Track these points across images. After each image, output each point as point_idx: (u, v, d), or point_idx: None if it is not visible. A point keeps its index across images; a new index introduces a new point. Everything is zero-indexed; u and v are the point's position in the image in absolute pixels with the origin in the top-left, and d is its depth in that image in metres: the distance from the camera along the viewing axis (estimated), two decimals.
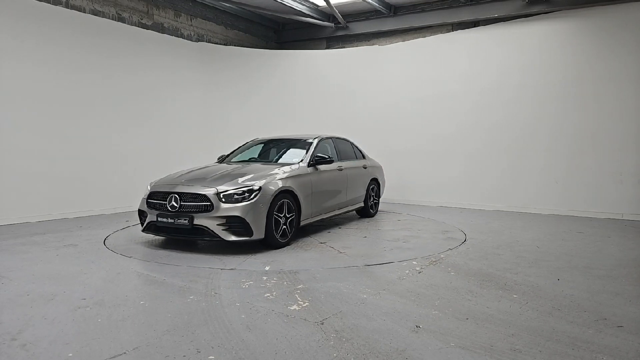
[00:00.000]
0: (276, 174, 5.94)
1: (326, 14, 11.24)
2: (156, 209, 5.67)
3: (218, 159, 7.51)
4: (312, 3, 10.70)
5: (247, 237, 5.41)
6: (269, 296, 3.93)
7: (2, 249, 5.68)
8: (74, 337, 3.08)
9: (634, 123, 8.18)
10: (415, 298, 3.89)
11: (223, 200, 5.35)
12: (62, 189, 8.12)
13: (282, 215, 5.77)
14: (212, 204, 5.33)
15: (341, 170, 7.33)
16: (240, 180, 5.66)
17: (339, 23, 11.23)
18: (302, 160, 6.61)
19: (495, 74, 9.40)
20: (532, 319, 3.41)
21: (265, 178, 5.72)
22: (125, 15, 9.22)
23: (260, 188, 5.52)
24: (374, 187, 8.52)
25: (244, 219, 5.33)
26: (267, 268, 4.85)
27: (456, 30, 10.19)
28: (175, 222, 5.42)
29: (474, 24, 9.97)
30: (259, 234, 5.46)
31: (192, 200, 5.45)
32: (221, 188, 5.46)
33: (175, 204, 5.48)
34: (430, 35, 10.38)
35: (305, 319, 3.40)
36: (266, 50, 11.64)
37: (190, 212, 5.41)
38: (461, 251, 5.66)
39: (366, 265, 4.99)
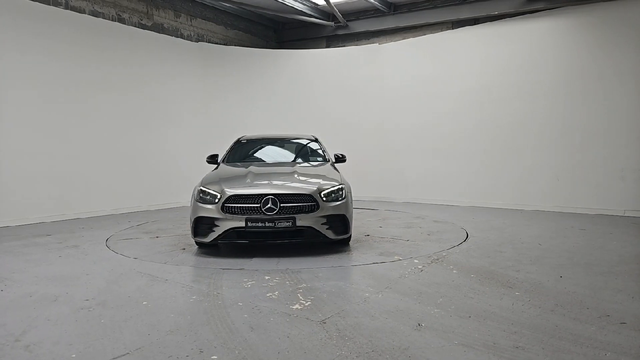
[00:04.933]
0: (334, 173, 6.00)
1: (326, 13, 11.24)
2: (242, 214, 5.15)
3: (211, 158, 6.88)
4: (312, 2, 10.70)
5: (346, 235, 5.49)
6: (271, 296, 3.93)
7: (4, 251, 5.69)
8: (77, 338, 3.09)
9: (635, 119, 8.16)
10: (417, 296, 3.89)
11: (324, 199, 5.28)
12: (63, 190, 8.14)
13: None
14: (317, 204, 5.21)
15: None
16: (323, 179, 5.59)
17: (339, 22, 11.23)
18: (327, 160, 6.79)
19: (496, 71, 9.38)
20: (534, 316, 3.41)
21: (337, 177, 5.77)
22: (125, 16, 9.23)
23: (343, 187, 5.58)
24: None
25: (346, 216, 5.41)
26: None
27: (456, 28, 10.18)
28: (276, 225, 5.09)
29: (474, 21, 9.96)
30: (351, 231, 5.58)
31: (295, 201, 5.19)
32: (323, 187, 5.37)
33: (274, 207, 5.12)
34: (430, 34, 10.37)
35: (307, 318, 3.40)
36: (266, 49, 11.64)
37: (292, 213, 5.17)
38: (463, 249, 5.66)
39: (374, 263, 5.01)
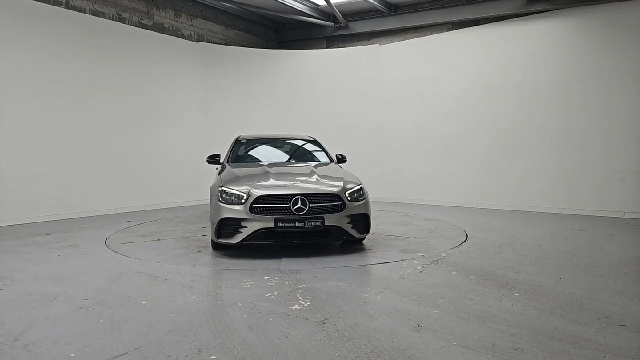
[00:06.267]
0: (349, 173, 6.08)
1: (326, 13, 11.24)
2: (271, 214, 5.09)
3: (211, 158, 6.80)
4: (313, 3, 10.70)
5: (367, 233, 5.64)
6: (270, 296, 3.93)
7: (4, 250, 5.69)
8: (76, 338, 3.09)
9: (635, 121, 8.16)
10: (416, 297, 3.89)
11: (349, 199, 5.36)
12: (62, 189, 8.13)
13: None
14: (344, 203, 5.29)
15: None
16: (344, 179, 5.68)
17: (339, 22, 11.23)
18: (332, 160, 6.89)
19: (496, 72, 9.38)
20: (533, 318, 3.40)
21: (355, 178, 5.88)
22: (125, 15, 9.23)
23: (362, 186, 5.71)
24: None
25: (368, 216, 5.56)
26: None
27: (456, 29, 10.18)
28: (306, 224, 5.08)
29: (475, 22, 9.96)
30: (370, 230, 5.68)
31: (323, 201, 5.22)
32: (346, 187, 5.46)
33: (303, 206, 5.10)
34: (431, 34, 10.37)
35: (306, 319, 3.40)
36: (266, 50, 11.64)
37: (321, 213, 5.18)
38: (462, 250, 5.66)
39: (371, 264, 5.01)
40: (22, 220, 7.56)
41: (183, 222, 7.89)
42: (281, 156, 7.10)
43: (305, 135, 7.67)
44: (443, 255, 5.39)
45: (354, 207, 5.37)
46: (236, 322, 3.33)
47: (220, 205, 5.23)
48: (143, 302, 3.77)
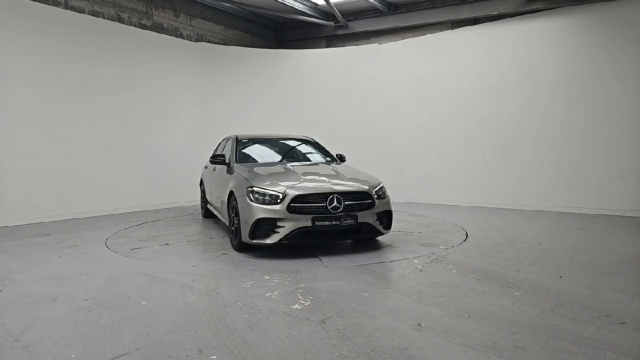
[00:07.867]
0: (366, 173, 6.21)
1: (326, 12, 11.24)
2: (308, 213, 5.08)
3: (215, 158, 6.70)
4: (312, 2, 10.70)
5: (389, 230, 5.78)
6: (270, 295, 3.93)
7: (4, 251, 5.69)
8: (77, 338, 3.08)
9: (635, 119, 8.16)
10: (417, 296, 3.89)
11: (375, 197, 5.49)
12: (62, 190, 8.13)
13: None
14: (373, 201, 5.43)
15: None
16: (369, 178, 5.84)
17: (339, 22, 11.23)
18: (334, 159, 6.98)
19: (496, 71, 9.38)
20: (534, 316, 3.40)
21: (374, 176, 6.03)
22: (124, 16, 9.22)
23: (383, 184, 5.87)
24: None
25: (392, 212, 5.76)
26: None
27: (456, 28, 10.17)
28: (342, 223, 5.15)
29: (474, 21, 9.96)
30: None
31: (356, 199, 5.34)
32: (373, 184, 5.63)
33: (339, 205, 5.17)
34: (430, 33, 10.36)
35: (307, 318, 3.40)
36: (266, 49, 11.63)
37: (354, 211, 5.29)
38: (463, 249, 5.66)
39: (369, 263, 5.01)
40: (22, 220, 7.55)
41: (186, 222, 7.88)
42: (287, 155, 7.06)
43: (301, 135, 7.67)
44: (443, 254, 5.39)
45: (381, 204, 5.54)
46: (237, 322, 3.33)
47: (253, 206, 5.13)
48: (143, 303, 3.77)
